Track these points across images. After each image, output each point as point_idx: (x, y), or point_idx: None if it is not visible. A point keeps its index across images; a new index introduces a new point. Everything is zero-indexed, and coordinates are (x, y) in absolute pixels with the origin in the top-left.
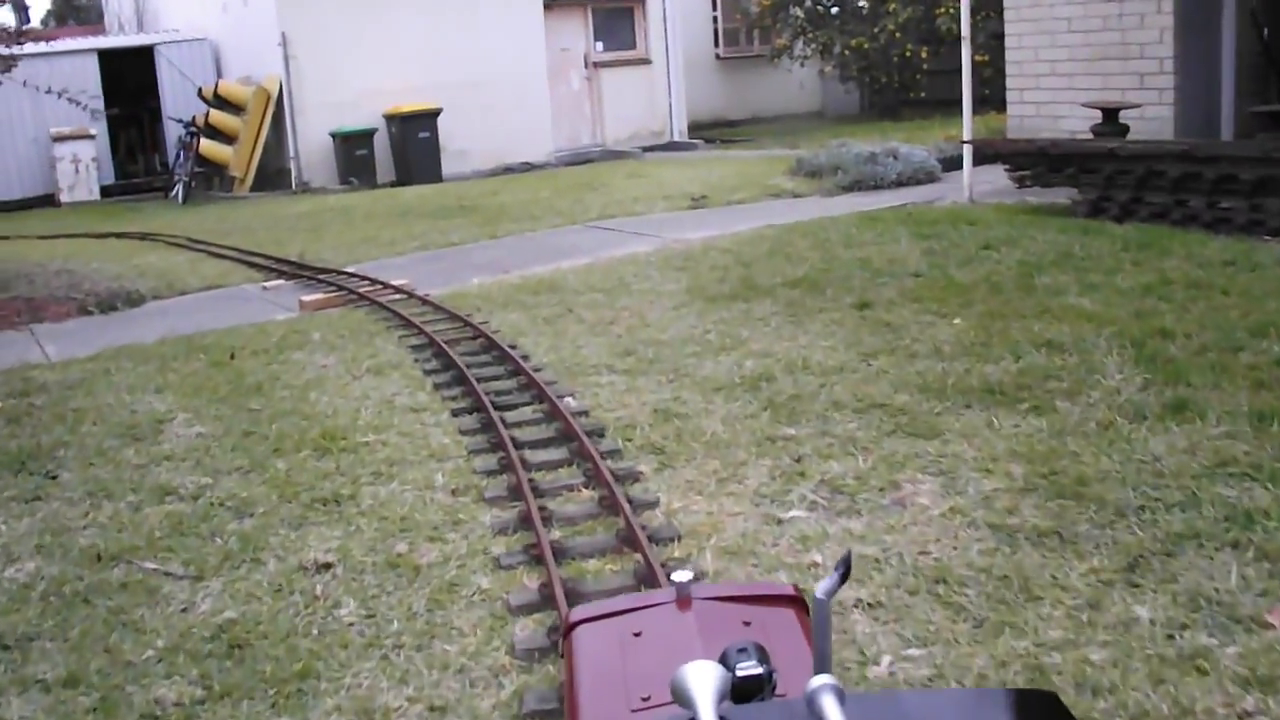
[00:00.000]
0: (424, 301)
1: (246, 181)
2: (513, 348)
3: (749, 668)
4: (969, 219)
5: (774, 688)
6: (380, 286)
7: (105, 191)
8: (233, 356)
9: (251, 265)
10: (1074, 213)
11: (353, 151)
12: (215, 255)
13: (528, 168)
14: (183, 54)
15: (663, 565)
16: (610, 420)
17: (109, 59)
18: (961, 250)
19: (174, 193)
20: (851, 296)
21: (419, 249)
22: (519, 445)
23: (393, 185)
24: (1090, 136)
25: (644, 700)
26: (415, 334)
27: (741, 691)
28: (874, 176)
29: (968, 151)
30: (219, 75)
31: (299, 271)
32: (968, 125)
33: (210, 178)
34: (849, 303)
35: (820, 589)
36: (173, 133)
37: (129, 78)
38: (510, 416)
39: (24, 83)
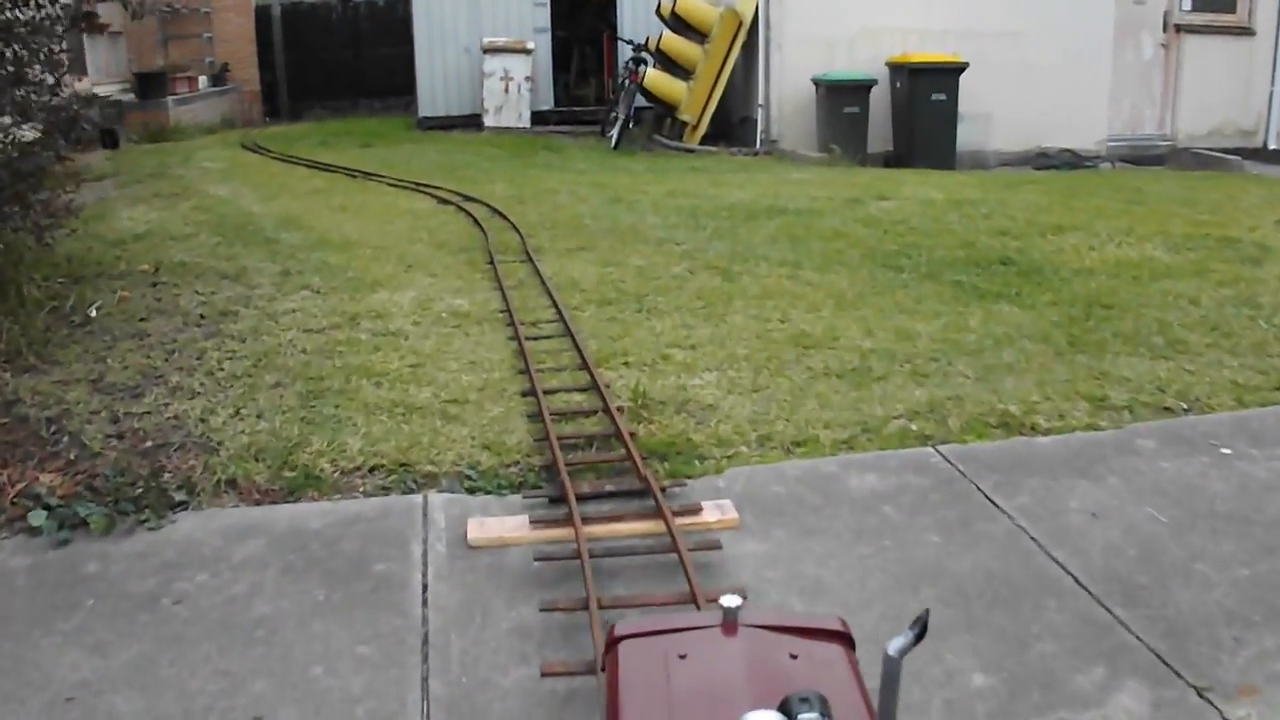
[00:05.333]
0: None
1: (699, 130)
2: None
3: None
4: None
5: None
6: None
7: (539, 118)
8: None
9: (528, 387)
10: None
11: (840, 108)
12: (498, 315)
13: (1071, 159)
14: None
15: None
16: None
17: None
18: None
19: (611, 131)
20: None
21: (908, 417)
22: None
23: (885, 162)
24: None
25: None
26: None
27: None
28: None
29: None
30: None
31: (600, 459)
32: None
33: (661, 119)
34: None
35: (892, 647)
36: (625, 56)
37: None
38: None
39: None
